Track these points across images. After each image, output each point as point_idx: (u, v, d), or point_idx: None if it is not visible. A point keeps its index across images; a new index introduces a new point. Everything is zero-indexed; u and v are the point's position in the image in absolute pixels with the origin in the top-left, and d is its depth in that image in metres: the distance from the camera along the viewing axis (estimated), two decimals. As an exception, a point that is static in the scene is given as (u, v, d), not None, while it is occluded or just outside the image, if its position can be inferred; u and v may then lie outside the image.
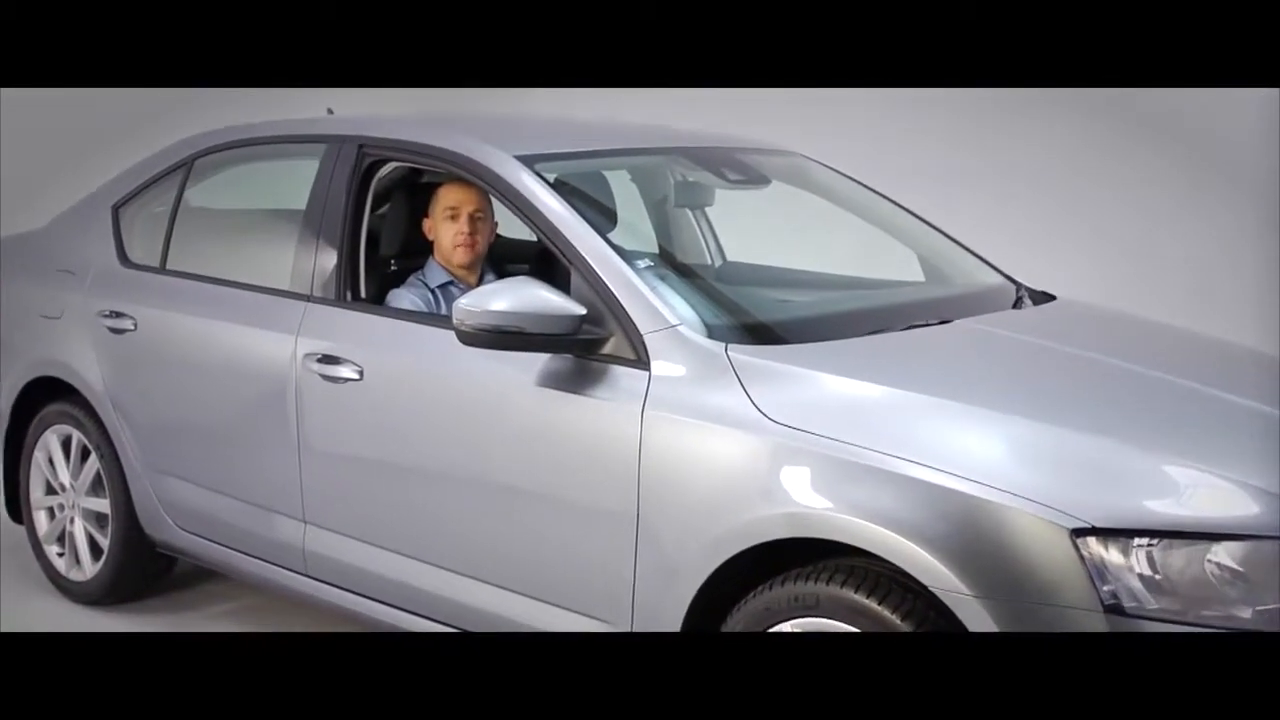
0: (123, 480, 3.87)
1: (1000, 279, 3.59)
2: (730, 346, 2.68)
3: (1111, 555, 2.20)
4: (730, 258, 4.25)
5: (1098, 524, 2.21)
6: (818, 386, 2.59)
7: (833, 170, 3.90)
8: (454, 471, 3.01)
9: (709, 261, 4.17)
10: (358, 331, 3.24)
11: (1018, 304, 3.39)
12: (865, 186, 3.89)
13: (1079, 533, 2.20)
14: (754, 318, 2.93)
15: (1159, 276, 5.62)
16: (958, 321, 3.01)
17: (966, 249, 3.71)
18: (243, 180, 4.13)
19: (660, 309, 2.76)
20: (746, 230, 4.33)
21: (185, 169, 3.91)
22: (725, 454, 2.54)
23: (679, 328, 2.73)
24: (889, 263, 3.84)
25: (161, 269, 3.84)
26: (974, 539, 2.28)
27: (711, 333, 2.73)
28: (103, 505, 3.97)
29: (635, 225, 3.81)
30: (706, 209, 4.06)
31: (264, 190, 4.16)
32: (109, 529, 3.96)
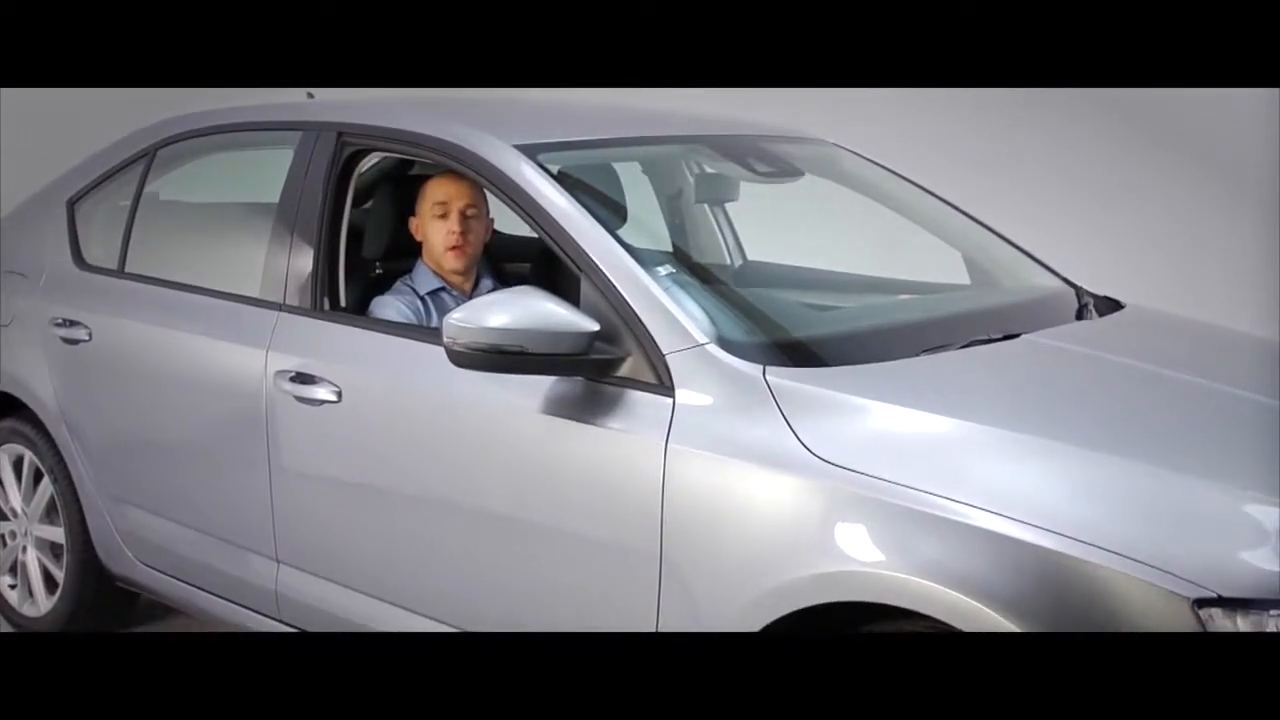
0: (78, 507, 3.48)
1: (1057, 282, 3.20)
2: (769, 369, 2.29)
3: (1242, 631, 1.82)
4: (747, 256, 3.86)
5: (1224, 593, 1.83)
6: (874, 419, 2.20)
7: (866, 160, 3.51)
8: (444, 509, 2.62)
9: (728, 261, 3.77)
10: (336, 346, 2.85)
11: (1081, 313, 2.99)
12: (902, 177, 3.50)
13: (1202, 603, 1.82)
14: (795, 334, 2.53)
15: (1157, 277, 5.46)
16: (1025, 336, 2.62)
17: (1018, 248, 3.31)
18: (211, 172, 3.74)
19: (685, 324, 2.36)
20: (765, 225, 3.94)
21: (147, 160, 3.51)
22: (768, 500, 2.15)
23: (707, 347, 2.33)
24: (917, 259, 3.50)
25: (120, 272, 3.43)
26: (1069, 608, 1.91)
27: (745, 352, 2.34)
28: (57, 534, 3.58)
29: (648, 222, 3.43)
30: (726, 204, 3.67)
31: (236, 183, 3.77)
32: (64, 560, 3.57)
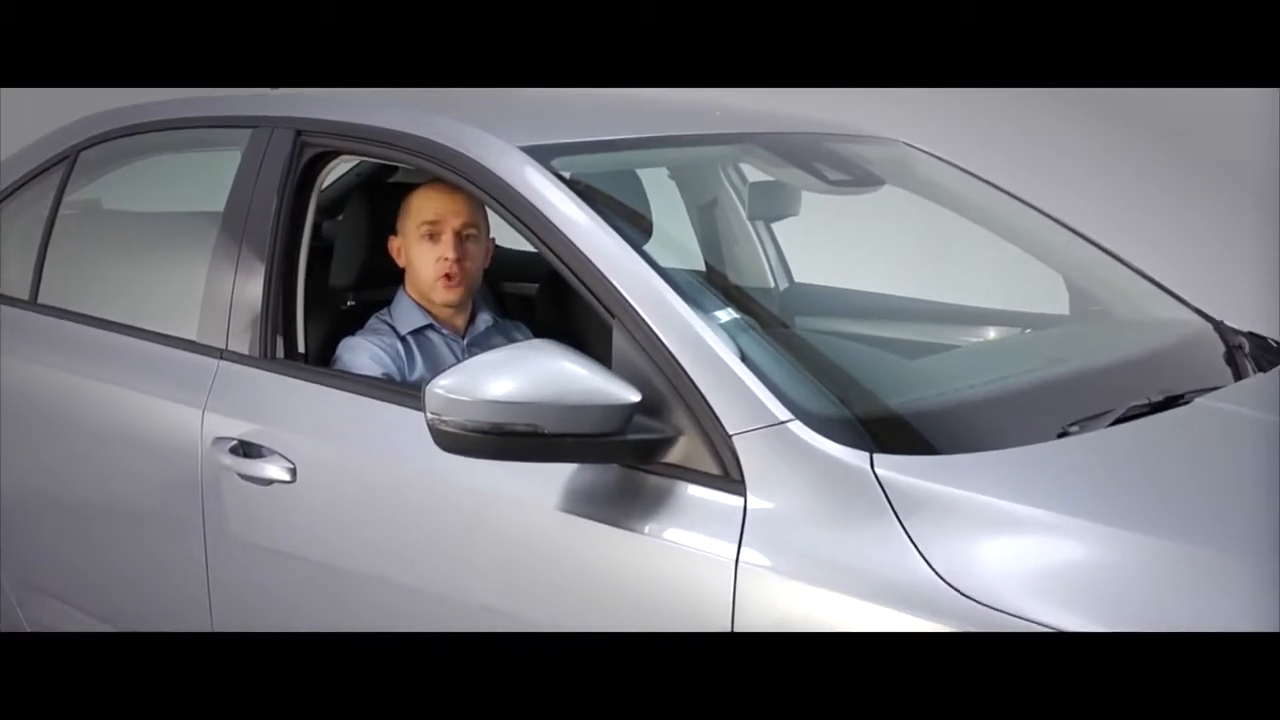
0: (-16, 592, 2.85)
1: (1187, 314, 2.57)
2: (877, 458, 1.66)
3: None
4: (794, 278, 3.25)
5: None
6: (1029, 536, 1.58)
7: (943, 161, 2.89)
8: (426, 621, 1.99)
9: (772, 284, 3.15)
10: (291, 407, 2.22)
11: (1233, 357, 2.36)
12: (985, 181, 2.90)
13: None
14: (909, 407, 1.88)
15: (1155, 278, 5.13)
16: (1196, 401, 1.99)
17: (1145, 276, 2.68)
18: (152, 179, 3.13)
19: (758, 393, 1.74)
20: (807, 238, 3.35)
21: (66, 165, 2.87)
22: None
23: (790, 425, 1.70)
24: (985, 276, 3.01)
25: (31, 303, 2.80)
26: None
27: (842, 433, 1.71)
28: (-40, 624, 2.95)
29: (682, 242, 2.82)
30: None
31: (184, 191, 3.13)
32: (-31, 654, 2.94)
